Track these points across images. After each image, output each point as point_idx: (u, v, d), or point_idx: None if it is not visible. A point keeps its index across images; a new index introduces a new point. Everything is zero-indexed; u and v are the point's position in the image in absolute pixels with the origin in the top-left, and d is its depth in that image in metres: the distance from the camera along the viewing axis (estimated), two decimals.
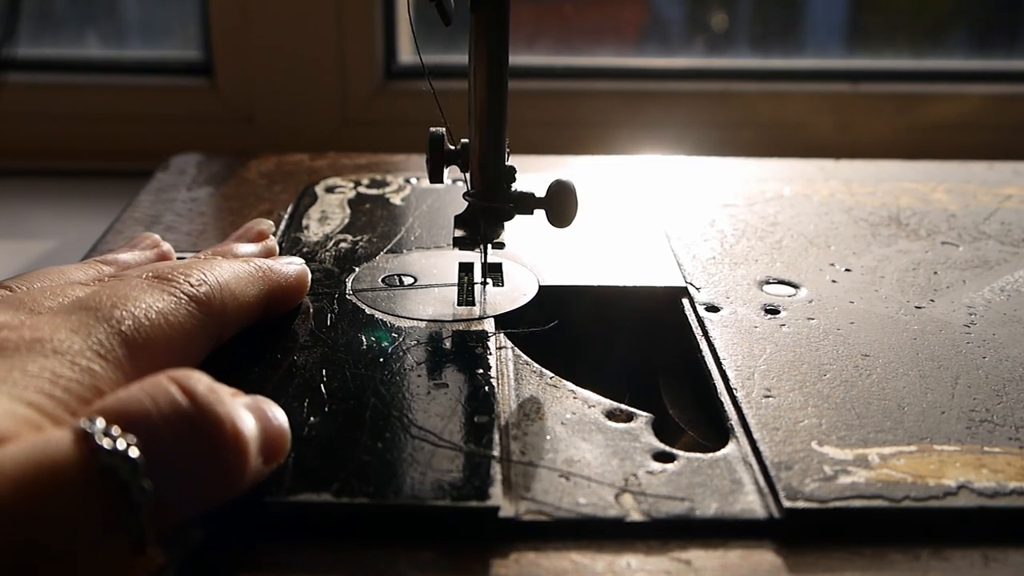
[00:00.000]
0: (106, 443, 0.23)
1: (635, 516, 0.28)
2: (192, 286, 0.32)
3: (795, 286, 0.43)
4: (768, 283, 0.43)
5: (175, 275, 0.32)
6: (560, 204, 0.38)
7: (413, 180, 0.55)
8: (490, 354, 0.36)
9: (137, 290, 0.30)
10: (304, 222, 0.49)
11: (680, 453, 0.31)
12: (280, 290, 0.37)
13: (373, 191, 0.53)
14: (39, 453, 0.22)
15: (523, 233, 0.47)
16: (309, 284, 0.39)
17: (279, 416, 0.28)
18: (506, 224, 0.41)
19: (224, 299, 0.33)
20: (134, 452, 0.23)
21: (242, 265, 0.35)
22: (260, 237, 0.41)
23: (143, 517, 0.23)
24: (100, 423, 0.23)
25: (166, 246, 0.41)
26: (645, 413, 0.33)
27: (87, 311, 0.28)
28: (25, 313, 0.30)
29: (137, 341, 0.28)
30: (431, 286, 0.41)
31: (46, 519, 0.22)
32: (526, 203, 0.39)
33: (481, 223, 0.39)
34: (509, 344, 0.37)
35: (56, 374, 0.26)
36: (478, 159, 0.38)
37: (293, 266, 0.38)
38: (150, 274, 0.32)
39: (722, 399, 0.34)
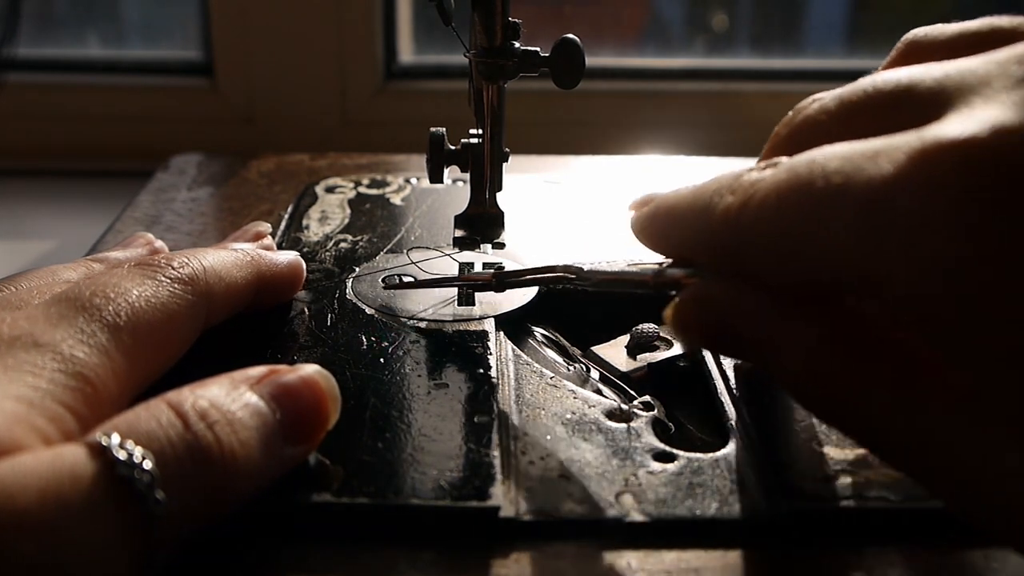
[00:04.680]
0: (122, 455, 0.23)
1: (635, 516, 0.28)
2: (174, 268, 0.32)
3: None
4: None
5: (156, 260, 0.32)
6: (566, 61, 0.37)
7: (413, 180, 0.55)
8: (490, 354, 0.36)
9: (117, 277, 0.30)
10: (304, 222, 0.49)
11: (680, 453, 0.31)
12: (270, 275, 0.37)
13: (373, 191, 0.53)
14: (58, 467, 0.23)
15: (524, 234, 0.47)
16: (304, 275, 0.39)
17: (309, 395, 0.28)
18: (506, 226, 0.41)
19: (209, 280, 0.33)
20: (149, 465, 0.23)
21: (229, 251, 0.35)
22: (257, 238, 0.41)
23: (157, 528, 0.23)
24: (116, 437, 0.24)
25: (159, 243, 0.41)
26: (646, 413, 0.33)
27: (66, 302, 0.28)
28: (10, 312, 0.30)
29: (119, 324, 0.28)
30: (440, 279, 0.41)
31: (68, 532, 0.22)
32: (530, 60, 0.38)
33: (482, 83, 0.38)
34: (509, 344, 0.37)
35: (38, 365, 0.25)
36: (483, 14, 0.36)
37: (285, 255, 0.38)
38: (132, 263, 0.32)
39: (723, 399, 0.34)
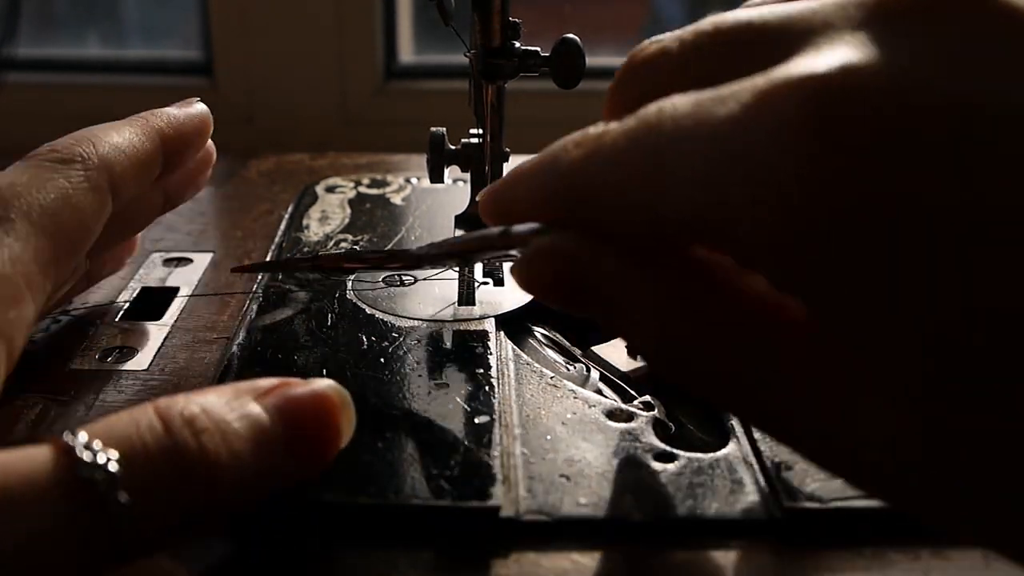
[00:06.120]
0: (86, 456, 0.23)
1: (635, 516, 0.28)
2: (58, 151, 0.33)
3: None
4: None
5: (40, 149, 0.33)
6: (566, 61, 0.37)
7: (413, 180, 0.55)
8: (490, 354, 0.36)
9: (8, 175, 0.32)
10: (304, 222, 0.49)
11: (681, 453, 0.31)
12: (172, 131, 0.37)
13: (373, 191, 0.53)
14: (18, 464, 0.22)
15: None
16: (211, 120, 0.39)
17: (320, 411, 0.27)
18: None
19: (100, 151, 0.34)
20: (113, 466, 0.23)
21: (122, 121, 0.36)
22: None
23: (122, 530, 0.23)
24: (83, 436, 0.23)
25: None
26: (646, 413, 0.33)
27: None
28: None
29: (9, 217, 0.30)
30: (435, 276, 0.41)
31: (22, 531, 0.21)
32: (530, 60, 0.37)
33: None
34: (510, 344, 0.37)
35: None
36: (483, 14, 0.37)
37: (181, 105, 0.38)
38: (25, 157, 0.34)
39: None
